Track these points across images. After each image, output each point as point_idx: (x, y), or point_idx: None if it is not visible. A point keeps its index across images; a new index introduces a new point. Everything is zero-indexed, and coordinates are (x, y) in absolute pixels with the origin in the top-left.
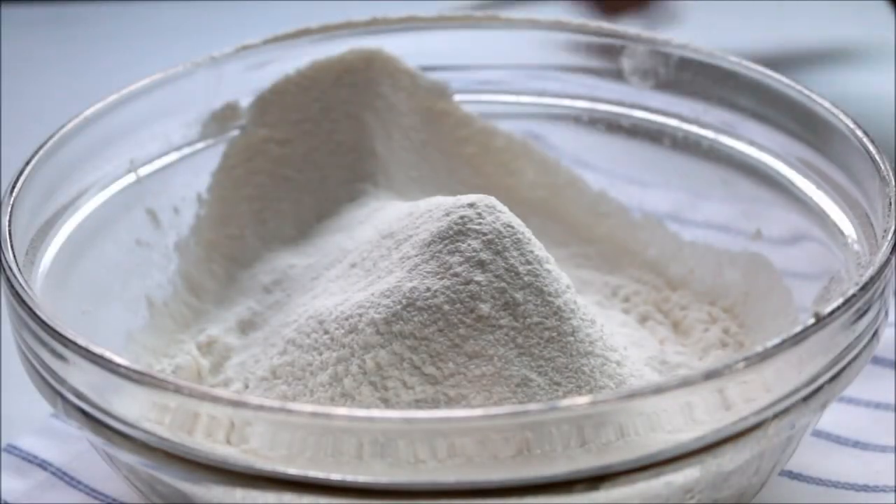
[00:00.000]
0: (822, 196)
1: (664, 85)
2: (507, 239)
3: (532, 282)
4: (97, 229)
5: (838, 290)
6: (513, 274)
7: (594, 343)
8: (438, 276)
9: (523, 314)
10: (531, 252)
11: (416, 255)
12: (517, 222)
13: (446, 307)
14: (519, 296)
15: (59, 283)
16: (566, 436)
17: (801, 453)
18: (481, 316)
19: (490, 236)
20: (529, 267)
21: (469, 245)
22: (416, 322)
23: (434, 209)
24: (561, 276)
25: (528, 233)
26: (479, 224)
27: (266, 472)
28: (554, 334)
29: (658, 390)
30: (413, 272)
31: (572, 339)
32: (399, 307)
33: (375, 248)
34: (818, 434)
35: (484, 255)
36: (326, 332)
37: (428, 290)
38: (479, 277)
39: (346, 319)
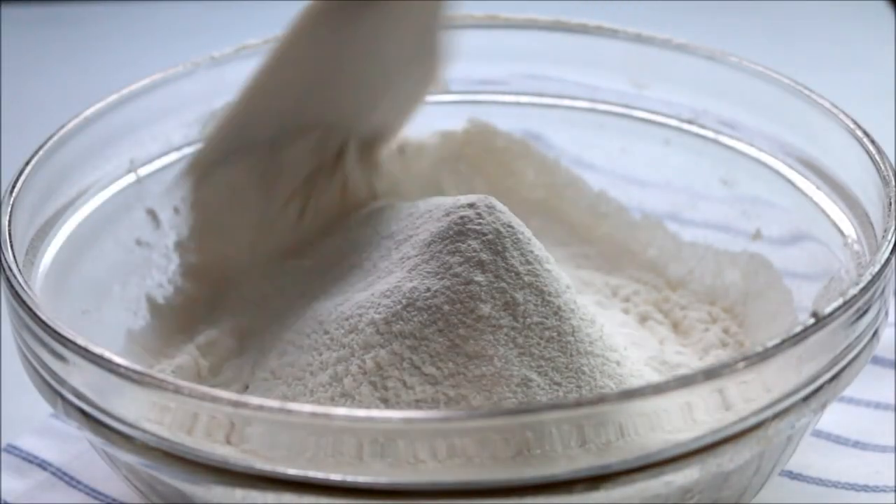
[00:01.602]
0: (822, 196)
1: (664, 85)
2: (507, 239)
3: (532, 282)
4: (97, 229)
5: (838, 290)
6: (513, 274)
7: (594, 343)
8: (438, 277)
9: (523, 314)
10: (531, 252)
11: (416, 256)
12: (517, 222)
13: (446, 307)
14: (519, 296)
15: (59, 283)
16: (566, 436)
17: (801, 453)
18: (481, 316)
19: (490, 236)
20: (529, 267)
21: (469, 245)
22: (416, 322)
23: (434, 209)
24: (561, 276)
25: (528, 233)
26: (479, 224)
27: (266, 472)
28: (554, 334)
29: (658, 390)
30: (413, 272)
31: (572, 338)
32: (399, 307)
33: (375, 248)
34: (818, 434)
35: (484, 256)
36: (326, 333)
37: (428, 290)
38: (479, 278)
39: (346, 320)
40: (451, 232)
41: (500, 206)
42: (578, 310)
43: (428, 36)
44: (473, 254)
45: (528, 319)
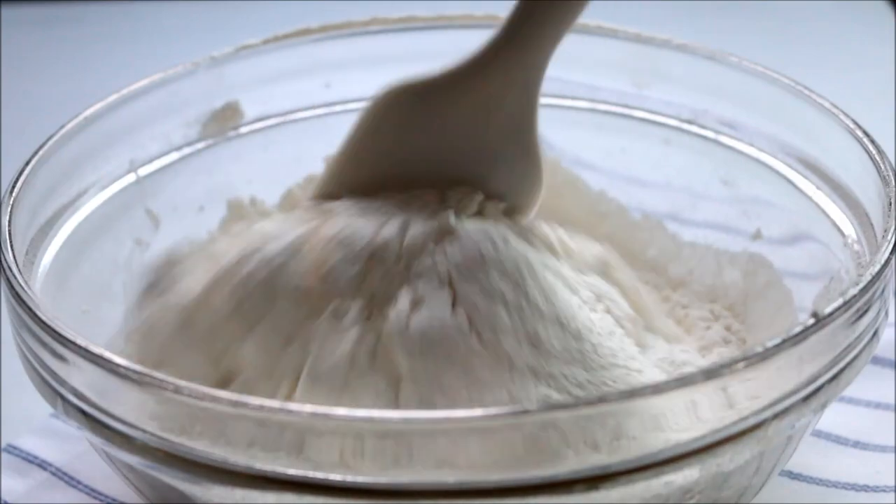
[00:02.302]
0: (821, 196)
1: (664, 85)
2: (523, 269)
3: (550, 311)
4: (97, 229)
5: (838, 290)
6: (531, 304)
7: (616, 355)
8: (454, 306)
9: (546, 344)
10: (545, 279)
11: (435, 288)
12: (530, 250)
13: (460, 340)
14: (539, 327)
15: (59, 282)
16: (567, 436)
17: (801, 453)
18: (505, 351)
19: (506, 266)
20: (546, 295)
21: (485, 275)
22: (432, 357)
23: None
24: (573, 295)
25: (541, 258)
26: (496, 253)
27: (266, 472)
28: (577, 356)
29: (658, 390)
30: (430, 303)
31: (595, 355)
32: (416, 349)
33: (389, 279)
34: (818, 434)
35: (502, 286)
36: None
37: (442, 323)
38: (498, 309)
39: None
40: (468, 263)
41: (512, 235)
42: (595, 325)
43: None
44: (491, 285)
45: (550, 347)
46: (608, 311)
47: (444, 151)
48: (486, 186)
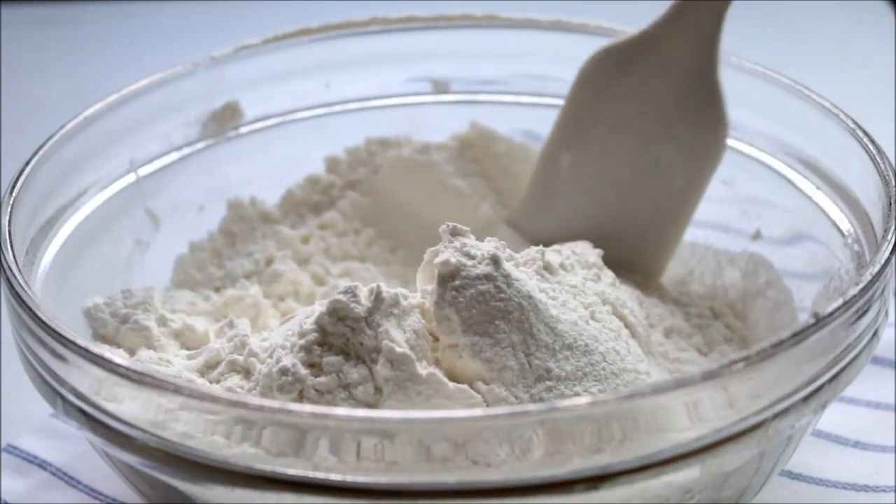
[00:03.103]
0: (821, 196)
1: None
2: (530, 313)
3: (558, 343)
4: (97, 229)
5: (838, 290)
6: (542, 347)
7: (625, 359)
8: (471, 358)
9: (556, 372)
10: (551, 316)
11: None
12: (533, 288)
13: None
14: (551, 364)
15: (59, 282)
16: (567, 436)
17: (801, 453)
18: (519, 397)
19: (515, 314)
20: (553, 331)
21: (498, 326)
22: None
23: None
24: (574, 313)
25: (545, 291)
26: (502, 300)
27: (266, 472)
28: (587, 370)
29: (658, 390)
30: (444, 358)
31: (605, 363)
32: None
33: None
34: (818, 434)
35: (514, 337)
36: None
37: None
38: (511, 362)
39: None
40: (474, 311)
41: (514, 272)
42: (601, 334)
43: (704, 79)
44: (503, 335)
45: (561, 373)
46: (613, 312)
47: (643, 105)
48: (674, 133)
